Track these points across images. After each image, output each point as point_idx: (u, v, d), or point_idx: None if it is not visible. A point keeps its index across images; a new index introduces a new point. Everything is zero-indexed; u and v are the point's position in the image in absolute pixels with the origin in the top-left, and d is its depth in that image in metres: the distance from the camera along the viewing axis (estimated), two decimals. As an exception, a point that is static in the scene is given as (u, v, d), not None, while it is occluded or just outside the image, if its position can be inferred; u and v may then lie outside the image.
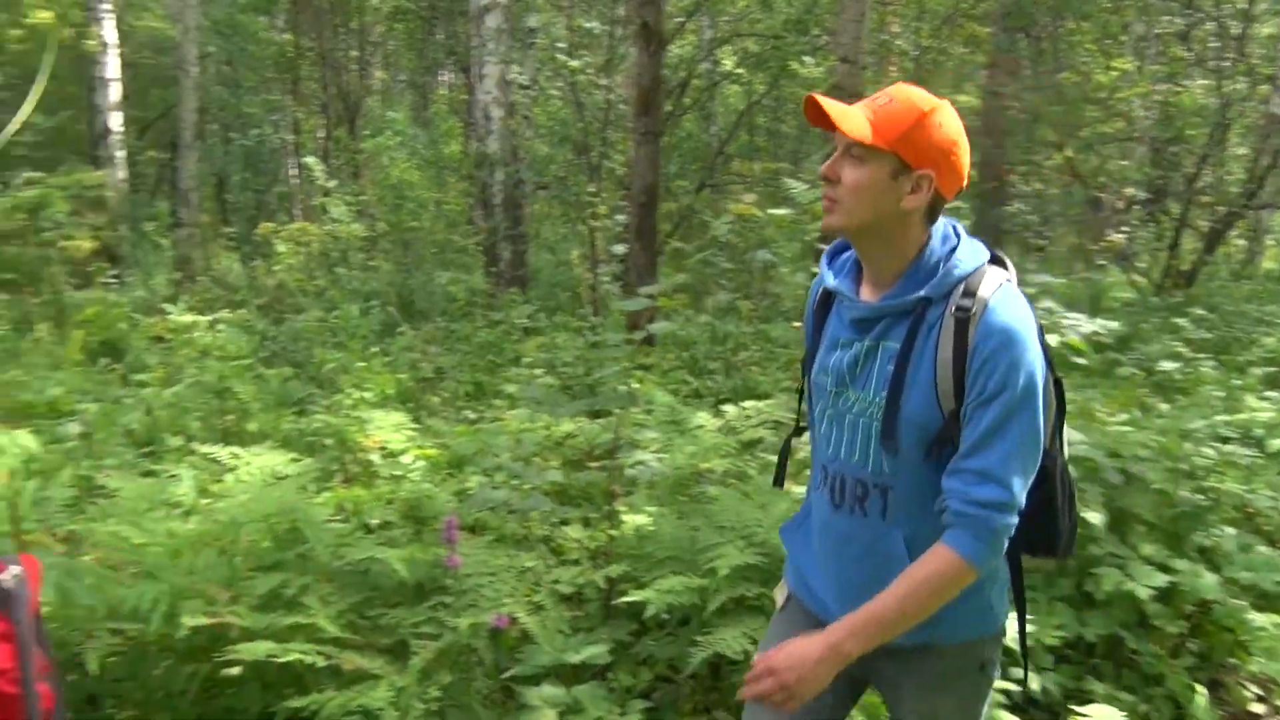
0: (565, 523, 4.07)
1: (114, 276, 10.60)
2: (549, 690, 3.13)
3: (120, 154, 12.86)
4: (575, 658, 3.19)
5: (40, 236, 8.76)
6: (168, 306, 9.05)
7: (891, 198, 1.93)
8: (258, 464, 4.28)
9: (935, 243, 1.99)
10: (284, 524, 3.53)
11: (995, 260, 2.02)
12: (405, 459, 4.66)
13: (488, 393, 7.03)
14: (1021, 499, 1.90)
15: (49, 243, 8.94)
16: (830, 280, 2.12)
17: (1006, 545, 1.93)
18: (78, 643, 3.06)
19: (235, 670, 2.99)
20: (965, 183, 2.00)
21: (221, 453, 4.47)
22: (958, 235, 2.02)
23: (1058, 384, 2.06)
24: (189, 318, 8.23)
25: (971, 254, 1.99)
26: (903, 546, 1.99)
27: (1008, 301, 1.91)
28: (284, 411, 6.02)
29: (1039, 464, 1.95)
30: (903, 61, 15.74)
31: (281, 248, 10.49)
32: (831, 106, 1.92)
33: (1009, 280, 1.97)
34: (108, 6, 12.39)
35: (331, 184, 11.00)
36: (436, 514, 3.98)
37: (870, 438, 2.00)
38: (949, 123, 1.94)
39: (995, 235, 12.53)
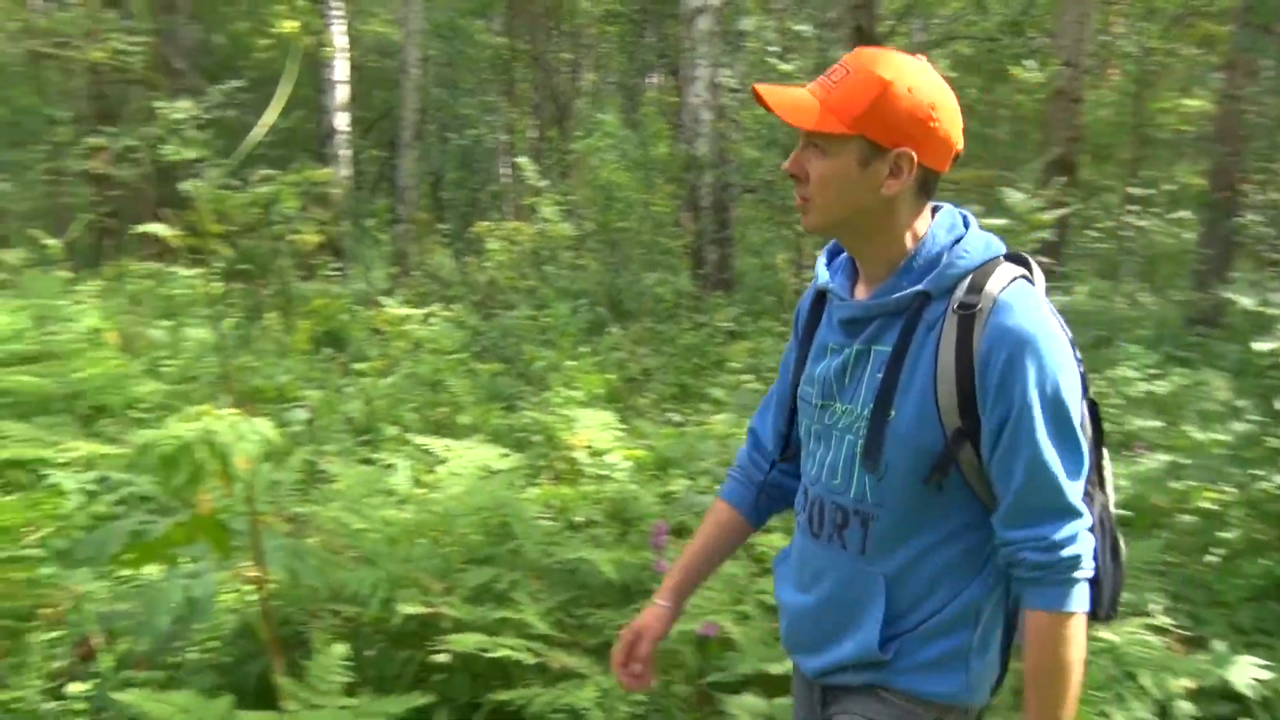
0: (768, 530, 4.03)
1: (336, 269, 11.10)
2: (749, 700, 3.10)
3: (345, 153, 13.43)
4: (777, 669, 3.14)
5: (272, 230, 9.23)
6: (384, 299, 9.43)
7: (867, 187, 1.65)
8: (469, 457, 4.39)
9: (939, 232, 1.71)
10: (495, 519, 3.62)
11: (1018, 260, 1.73)
12: (611, 459, 4.70)
13: (692, 395, 7.04)
14: (1086, 509, 1.64)
15: (279, 236, 9.41)
16: (824, 278, 1.84)
17: (1095, 561, 1.67)
18: (301, 621, 3.22)
19: (444, 659, 3.08)
20: (960, 146, 1.68)
21: (435, 444, 4.61)
22: (966, 224, 1.74)
23: (1093, 406, 1.75)
24: (404, 311, 8.54)
25: (981, 245, 1.70)
26: (881, 589, 1.73)
27: (1022, 300, 1.63)
28: (494, 406, 6.19)
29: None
30: (1124, 64, 15.04)
31: (493, 245, 10.77)
32: (772, 94, 1.65)
33: (1025, 277, 1.69)
34: (339, 12, 12.99)
35: (542, 184, 11.23)
36: (641, 515, 4.00)
37: (855, 457, 1.73)
38: (921, 85, 1.62)
39: (1226, 248, 11.83)
